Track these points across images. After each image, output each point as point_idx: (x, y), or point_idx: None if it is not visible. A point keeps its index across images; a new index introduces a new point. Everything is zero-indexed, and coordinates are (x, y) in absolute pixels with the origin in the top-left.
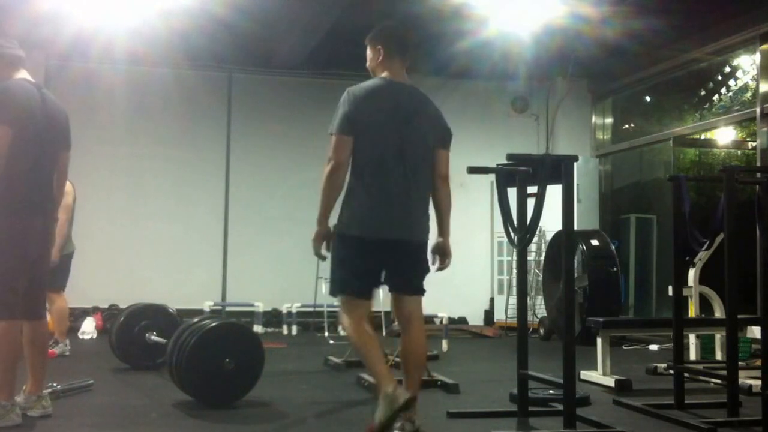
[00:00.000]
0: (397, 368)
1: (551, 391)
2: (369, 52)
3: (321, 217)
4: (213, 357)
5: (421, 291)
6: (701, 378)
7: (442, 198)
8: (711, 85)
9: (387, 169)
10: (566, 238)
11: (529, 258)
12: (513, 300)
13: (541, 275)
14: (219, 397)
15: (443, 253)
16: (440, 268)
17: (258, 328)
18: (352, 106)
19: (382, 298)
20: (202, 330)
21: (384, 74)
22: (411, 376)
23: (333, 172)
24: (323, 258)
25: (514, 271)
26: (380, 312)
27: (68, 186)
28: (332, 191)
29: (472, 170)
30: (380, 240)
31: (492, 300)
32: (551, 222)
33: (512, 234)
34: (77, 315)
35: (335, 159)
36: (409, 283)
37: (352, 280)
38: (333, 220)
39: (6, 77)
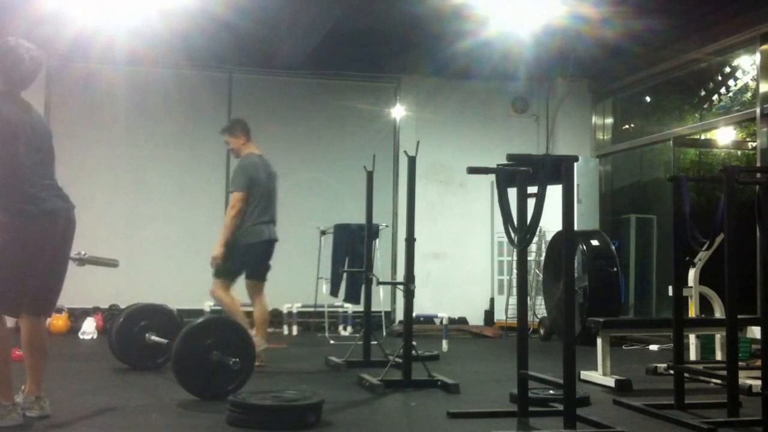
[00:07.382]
0: (398, 368)
1: (551, 391)
2: None
3: None
4: (198, 350)
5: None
6: (701, 378)
7: None
8: (711, 85)
9: None
10: (566, 238)
11: (529, 258)
12: (513, 300)
13: (541, 275)
14: (209, 389)
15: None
16: None
17: None
18: None
19: (382, 298)
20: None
21: None
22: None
23: None
24: None
25: (514, 271)
26: (380, 312)
27: None
28: None
29: (472, 170)
30: None
31: (492, 300)
32: (551, 222)
33: (512, 234)
34: (77, 315)
35: None
36: None
37: None
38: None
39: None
